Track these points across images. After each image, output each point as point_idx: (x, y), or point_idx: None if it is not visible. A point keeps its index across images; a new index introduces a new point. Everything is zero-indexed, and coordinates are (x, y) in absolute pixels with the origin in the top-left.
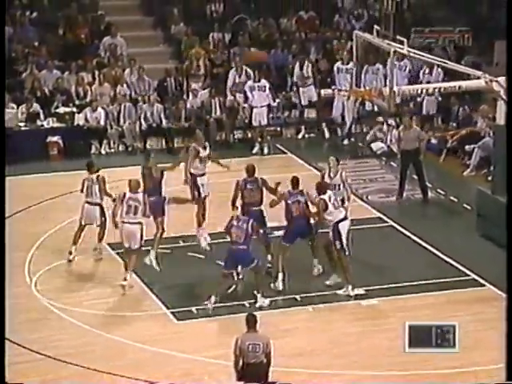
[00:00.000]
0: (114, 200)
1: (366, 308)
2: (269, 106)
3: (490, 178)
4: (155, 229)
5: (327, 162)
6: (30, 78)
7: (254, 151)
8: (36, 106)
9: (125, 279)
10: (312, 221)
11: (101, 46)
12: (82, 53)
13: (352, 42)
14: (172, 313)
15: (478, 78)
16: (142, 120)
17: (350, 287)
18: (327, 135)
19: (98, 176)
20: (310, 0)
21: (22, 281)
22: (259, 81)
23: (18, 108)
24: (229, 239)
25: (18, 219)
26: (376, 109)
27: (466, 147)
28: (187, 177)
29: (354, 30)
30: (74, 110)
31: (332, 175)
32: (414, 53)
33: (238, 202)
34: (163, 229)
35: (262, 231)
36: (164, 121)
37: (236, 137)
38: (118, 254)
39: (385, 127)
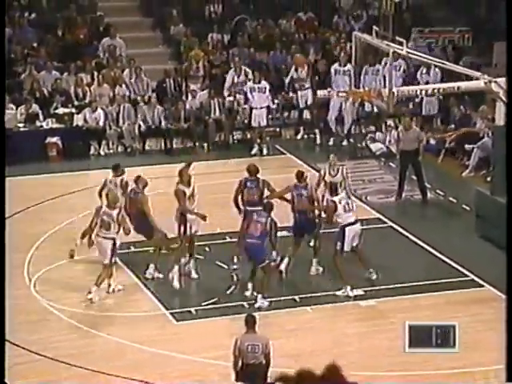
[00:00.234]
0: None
1: (365, 308)
2: (268, 107)
3: (489, 179)
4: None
5: (328, 160)
6: (29, 79)
7: (253, 152)
8: (35, 107)
9: (89, 292)
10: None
11: (100, 47)
12: (81, 54)
13: (351, 42)
14: (171, 313)
15: (477, 78)
16: (141, 122)
17: (348, 288)
18: (318, 141)
19: (122, 180)
20: (309, 1)
21: (22, 282)
22: (259, 82)
23: (17, 109)
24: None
25: (17, 220)
26: (375, 110)
27: (466, 146)
28: (177, 216)
29: (353, 30)
30: (73, 110)
31: (333, 173)
32: (413, 53)
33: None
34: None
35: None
36: (163, 122)
37: (235, 138)
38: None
39: (384, 128)
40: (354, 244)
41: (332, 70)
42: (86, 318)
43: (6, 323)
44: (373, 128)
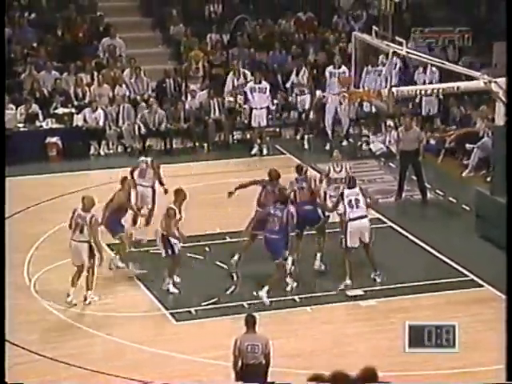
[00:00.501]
0: (165, 191)
1: (365, 308)
2: (268, 107)
3: (488, 179)
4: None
5: (332, 158)
6: (28, 79)
7: (253, 152)
8: (35, 107)
9: (68, 295)
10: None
11: (100, 47)
12: (80, 54)
13: (350, 43)
14: (171, 314)
15: (477, 78)
16: (141, 124)
17: (348, 281)
18: (306, 146)
19: (153, 161)
20: (308, 1)
21: (22, 282)
22: (260, 82)
23: (16, 109)
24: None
25: (17, 220)
26: (374, 110)
27: (466, 146)
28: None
29: (353, 30)
30: (73, 110)
31: (338, 169)
32: (413, 53)
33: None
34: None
35: None
36: (163, 124)
37: (235, 138)
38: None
39: (384, 128)
40: (365, 240)
41: (327, 73)
42: (85, 318)
43: (5, 323)
44: (366, 132)
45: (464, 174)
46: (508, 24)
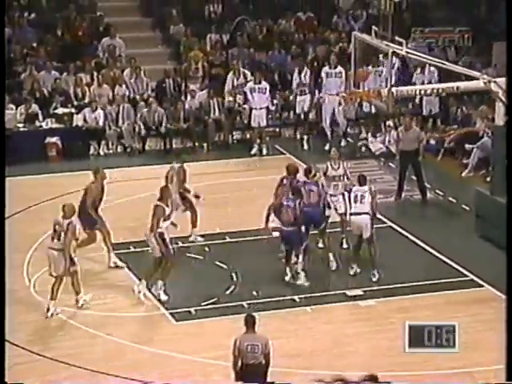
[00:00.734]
0: (196, 196)
1: (365, 308)
2: (268, 107)
3: (488, 179)
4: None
5: (330, 155)
6: (28, 79)
7: (253, 152)
8: (35, 107)
9: (47, 309)
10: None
11: (99, 47)
12: (80, 54)
13: (350, 43)
14: (171, 313)
15: (477, 78)
16: (141, 124)
17: (356, 267)
18: (305, 146)
19: (181, 166)
20: (308, 1)
21: (22, 282)
22: (260, 82)
23: (16, 109)
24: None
25: (17, 220)
26: (373, 110)
27: (466, 146)
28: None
29: (353, 30)
30: (73, 110)
31: (335, 167)
32: (413, 53)
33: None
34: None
35: None
36: (163, 124)
37: (235, 138)
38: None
39: (383, 128)
40: (365, 236)
41: (323, 74)
42: (85, 318)
43: (5, 323)
44: (365, 134)
45: (464, 174)
46: (508, 24)
